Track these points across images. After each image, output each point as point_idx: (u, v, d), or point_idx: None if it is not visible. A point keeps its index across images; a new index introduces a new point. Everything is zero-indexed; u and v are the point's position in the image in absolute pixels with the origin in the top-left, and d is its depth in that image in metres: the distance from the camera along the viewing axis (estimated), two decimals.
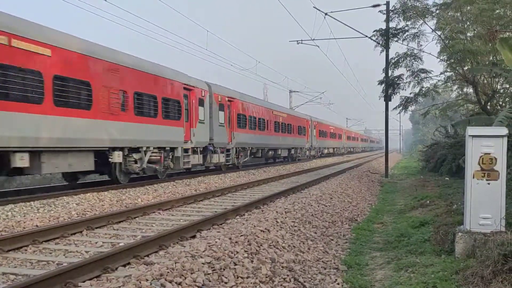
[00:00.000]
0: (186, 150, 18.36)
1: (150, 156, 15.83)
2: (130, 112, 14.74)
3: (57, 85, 11.85)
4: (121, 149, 14.37)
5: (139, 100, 15.21)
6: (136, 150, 15.20)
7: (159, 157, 16.47)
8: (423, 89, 20.50)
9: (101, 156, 13.85)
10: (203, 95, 20.09)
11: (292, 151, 35.88)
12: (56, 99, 11.77)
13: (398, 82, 21.38)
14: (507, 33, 15.78)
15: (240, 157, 24.90)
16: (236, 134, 23.79)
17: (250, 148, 26.48)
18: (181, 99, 17.96)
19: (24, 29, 11.09)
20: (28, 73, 10.96)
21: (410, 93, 21.29)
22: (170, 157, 17.31)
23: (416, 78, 19.99)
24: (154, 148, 16.02)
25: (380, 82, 22.42)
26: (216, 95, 21.64)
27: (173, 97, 17.41)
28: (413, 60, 20.03)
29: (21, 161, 10.92)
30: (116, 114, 14.08)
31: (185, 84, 18.40)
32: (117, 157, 14.12)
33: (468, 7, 16.91)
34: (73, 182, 15.13)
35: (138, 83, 15.19)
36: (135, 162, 15.16)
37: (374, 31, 21.89)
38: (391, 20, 20.93)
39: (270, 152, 30.92)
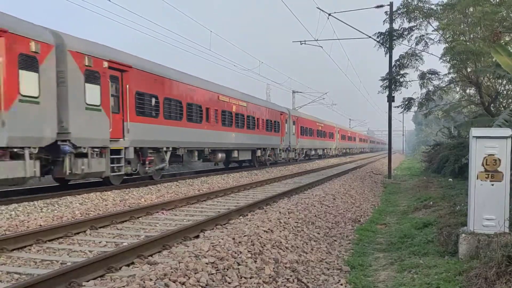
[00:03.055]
0: (279, 150, 32.36)
1: (269, 152, 29.90)
2: (264, 129, 28.78)
3: (248, 120, 25.65)
4: (259, 148, 27.91)
5: (267, 123, 29.42)
6: (265, 149, 29.04)
7: (272, 153, 30.64)
8: (429, 91, 20.46)
9: (252, 152, 26.96)
10: (286, 117, 34.11)
11: (324, 151, 48.32)
12: (248, 126, 25.58)
13: (401, 80, 21.35)
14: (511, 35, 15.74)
15: (300, 154, 38.29)
16: (300, 140, 37.55)
17: (305, 148, 40.19)
18: (279, 120, 32.10)
19: (239, 96, 25.12)
20: (241, 116, 24.69)
21: (414, 93, 21.28)
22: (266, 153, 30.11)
23: (424, 79, 19.94)
24: (271, 148, 30.17)
25: (383, 79, 22.37)
26: (292, 115, 35.71)
27: (277, 120, 31.69)
28: (415, 60, 20.02)
29: (235, 154, 24.03)
30: (261, 130, 28.13)
31: (280, 111, 32.88)
32: (259, 153, 28.00)
33: (471, 9, 16.87)
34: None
35: (268, 115, 29.71)
36: (263, 155, 28.85)
37: (377, 32, 21.86)
38: (394, 21, 20.90)
39: (313, 152, 43.38)
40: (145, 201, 11.90)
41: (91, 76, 13.06)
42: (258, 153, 27.76)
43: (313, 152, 42.67)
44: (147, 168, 15.80)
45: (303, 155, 39.36)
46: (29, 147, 11.03)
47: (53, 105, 11.85)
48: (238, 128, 24.08)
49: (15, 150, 10.76)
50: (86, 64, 12.82)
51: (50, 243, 7.02)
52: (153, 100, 16.14)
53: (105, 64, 13.59)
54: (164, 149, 16.77)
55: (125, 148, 14.43)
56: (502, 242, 5.52)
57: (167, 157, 16.98)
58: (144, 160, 15.63)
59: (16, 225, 8.17)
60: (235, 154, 24.04)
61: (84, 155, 12.63)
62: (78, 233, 7.70)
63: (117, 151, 14.16)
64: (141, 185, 15.02)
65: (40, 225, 8.24)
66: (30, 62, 11.14)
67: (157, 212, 10.09)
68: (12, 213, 9.57)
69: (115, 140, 14.02)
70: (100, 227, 8.23)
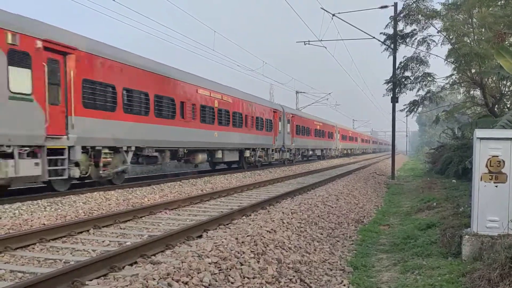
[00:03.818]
0: (331, 149, 49.71)
1: (328, 151, 47.68)
2: (327, 137, 46.93)
3: (322, 133, 45.03)
4: (325, 148, 46.05)
5: (328, 133, 47.34)
6: (326, 149, 46.53)
7: (330, 152, 48.52)
8: (430, 92, 20.42)
9: (321, 150, 44.59)
10: (336, 129, 51.19)
11: (351, 150, 65.72)
12: (322, 136, 45.31)
13: (405, 82, 21.31)
14: None
15: (340, 153, 55.11)
16: (341, 143, 55.12)
17: (342, 149, 57.93)
18: (333, 131, 49.39)
19: (320, 120, 45.82)
20: (318, 130, 44.00)
21: (416, 94, 21.25)
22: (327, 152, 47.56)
23: (423, 82, 19.91)
24: (329, 148, 47.87)
25: (387, 82, 22.35)
26: (338, 128, 52.87)
27: (332, 131, 49.18)
28: (418, 65, 20.00)
29: (316, 152, 43.41)
30: (326, 138, 46.13)
31: (332, 125, 49.78)
32: (324, 151, 46.13)
33: (476, 10, 16.83)
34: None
35: (327, 128, 47.41)
36: (326, 152, 46.57)
37: (382, 33, 21.85)
38: (399, 21, 20.86)
39: (345, 151, 60.41)
40: (148, 200, 11.91)
41: (286, 120, 31.55)
42: (324, 151, 46.05)
43: (345, 151, 60.90)
44: (297, 157, 36.02)
45: (340, 153, 56.81)
46: (280, 148, 29.98)
47: (283, 134, 30.63)
48: (319, 137, 43.03)
49: (279, 149, 29.87)
50: (285, 117, 31.39)
51: (54, 242, 7.04)
52: (303, 127, 36.44)
53: (290, 116, 32.85)
54: (301, 148, 36.45)
55: (292, 148, 33.55)
56: (506, 244, 5.51)
57: (300, 152, 36.88)
58: (298, 154, 35.85)
59: (20, 224, 8.19)
60: (315, 152, 42.69)
61: (283, 151, 30.96)
62: (81, 232, 7.71)
63: (290, 149, 32.99)
64: (144, 185, 15.03)
65: (44, 224, 8.26)
66: (280, 118, 30.07)
67: (160, 211, 10.10)
68: (16, 212, 9.59)
69: (290, 145, 32.52)
70: (103, 227, 8.24)
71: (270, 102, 31.48)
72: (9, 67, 10.12)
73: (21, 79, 10.44)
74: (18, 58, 10.36)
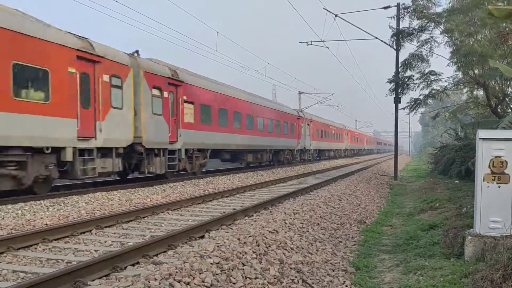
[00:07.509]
0: (364, 150, 78.72)
1: (360, 151, 72.96)
2: (363, 143, 78.52)
3: (359, 139, 74.26)
4: (364, 149, 77.60)
5: (360, 139, 72.47)
6: (361, 149, 76.05)
7: (361, 151, 74.67)
8: (433, 91, 20.35)
9: (357, 150, 68.86)
10: (365, 136, 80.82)
11: (370, 151, 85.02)
12: (358, 142, 72.27)
13: (408, 82, 21.23)
14: None
15: (366, 152, 79.62)
16: (367, 146, 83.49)
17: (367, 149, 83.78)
18: (363, 138, 77.19)
19: (358, 131, 79.55)
20: (355, 137, 68.99)
21: (420, 95, 21.17)
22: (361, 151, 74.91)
23: (426, 80, 19.85)
24: (363, 150, 77.82)
25: (390, 81, 22.27)
26: (365, 135, 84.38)
27: (362, 138, 76.94)
28: (420, 62, 19.93)
29: (362, 152, 77.96)
30: (365, 143, 79.98)
31: (364, 134, 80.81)
32: (362, 151, 74.30)
33: (476, 10, 16.80)
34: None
35: (358, 135, 71.46)
36: (360, 151, 71.64)
37: (392, 31, 21.71)
38: (403, 20, 20.81)
39: (368, 150, 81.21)
40: (150, 201, 11.92)
41: (346, 134, 57.54)
42: (360, 151, 63.77)
43: (368, 151, 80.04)
44: (350, 153, 58.44)
45: (366, 152, 75.77)
46: (343, 150, 55.99)
47: (345, 142, 57.16)
48: (359, 143, 65.39)
49: (343, 149, 56.75)
50: (347, 132, 57.56)
51: (56, 242, 7.05)
52: (355, 137, 64.41)
53: (348, 131, 58.80)
54: (353, 149, 60.74)
55: (349, 149, 59.48)
56: (508, 245, 5.49)
57: (352, 151, 60.29)
58: (352, 153, 62.40)
59: (22, 224, 8.21)
60: (355, 151, 58.62)
61: (346, 151, 57.32)
62: (84, 233, 7.72)
63: (348, 149, 59.33)
64: (146, 185, 15.05)
65: (46, 224, 8.27)
66: (345, 134, 58.11)
67: (163, 212, 10.11)
68: (19, 212, 9.62)
69: (348, 148, 59.12)
70: (105, 227, 8.25)
71: (342, 125, 53.32)
72: (301, 125, 34.68)
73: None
74: (304, 121, 34.50)
